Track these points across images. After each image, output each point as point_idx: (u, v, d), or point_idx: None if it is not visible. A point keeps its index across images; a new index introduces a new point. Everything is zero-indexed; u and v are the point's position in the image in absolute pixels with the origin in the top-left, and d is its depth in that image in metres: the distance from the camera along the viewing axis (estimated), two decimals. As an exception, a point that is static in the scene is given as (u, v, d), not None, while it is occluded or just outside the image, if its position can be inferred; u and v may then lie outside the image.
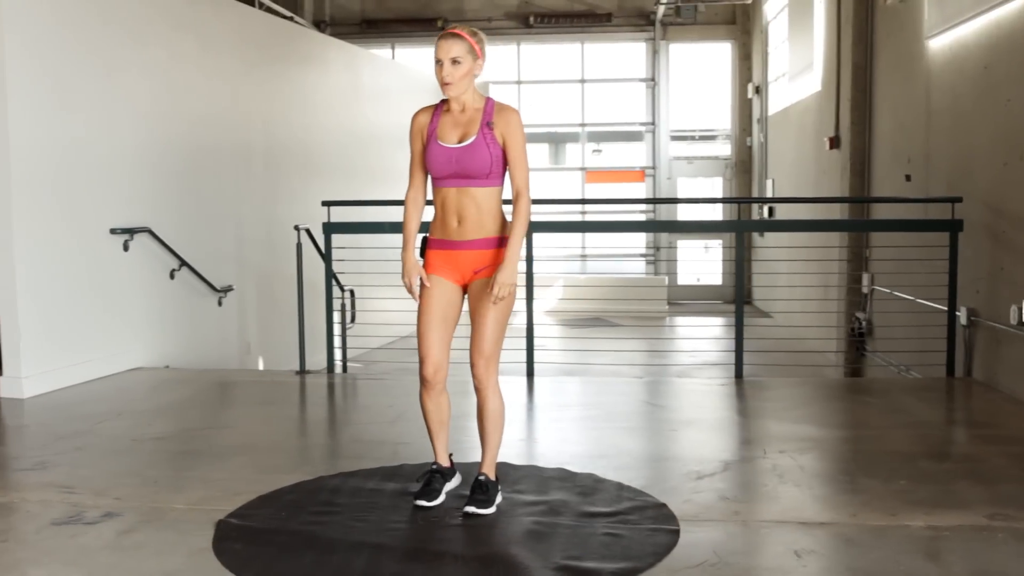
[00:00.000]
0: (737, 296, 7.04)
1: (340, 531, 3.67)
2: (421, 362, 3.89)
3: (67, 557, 3.48)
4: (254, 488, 4.23)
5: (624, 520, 3.79)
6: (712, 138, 18.07)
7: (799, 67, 12.66)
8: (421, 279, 3.93)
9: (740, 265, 6.99)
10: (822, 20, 11.12)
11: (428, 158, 3.84)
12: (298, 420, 6.11)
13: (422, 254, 3.97)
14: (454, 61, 3.77)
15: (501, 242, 3.85)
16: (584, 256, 17.78)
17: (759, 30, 15.96)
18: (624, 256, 17.70)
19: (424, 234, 4.00)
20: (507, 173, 3.88)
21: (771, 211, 14.79)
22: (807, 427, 5.46)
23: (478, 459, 4.02)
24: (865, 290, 9.53)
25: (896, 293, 8.38)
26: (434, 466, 4.00)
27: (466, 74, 3.80)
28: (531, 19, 17.03)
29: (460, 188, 3.80)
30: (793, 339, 10.64)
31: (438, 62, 3.80)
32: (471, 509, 3.81)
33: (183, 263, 7.91)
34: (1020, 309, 5.83)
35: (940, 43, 7.35)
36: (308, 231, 7.41)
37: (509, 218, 3.88)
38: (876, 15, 9.11)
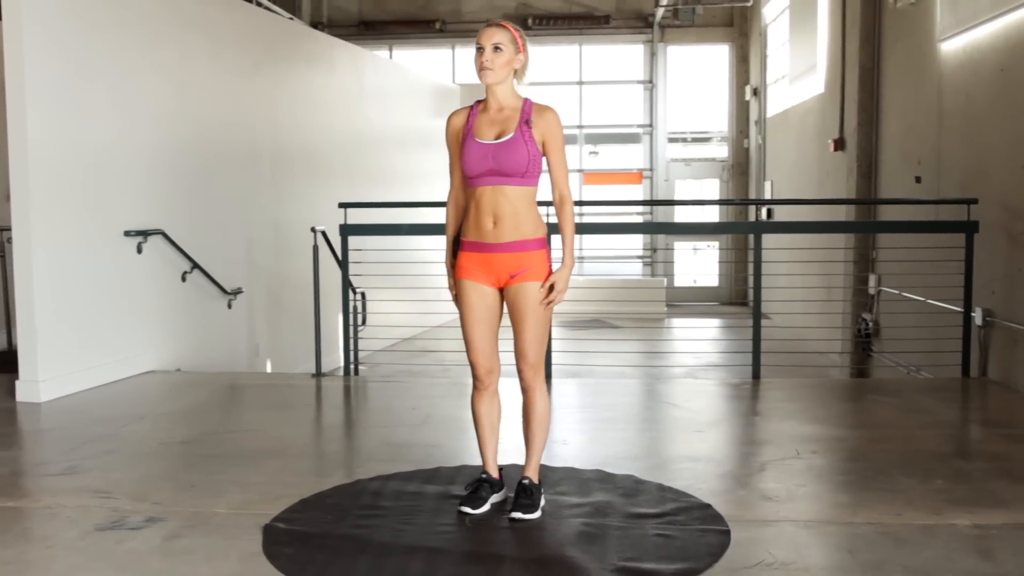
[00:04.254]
0: (755, 297, 7.05)
1: (390, 534, 3.65)
2: (473, 367, 3.88)
3: (118, 563, 3.45)
4: (293, 492, 4.21)
5: (672, 521, 3.79)
6: (707, 140, 18.11)
7: (800, 69, 12.71)
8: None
9: (759, 267, 7.00)
10: (826, 23, 11.17)
11: (464, 155, 3.79)
12: (324, 423, 6.10)
13: (454, 255, 3.95)
14: (496, 48, 3.73)
15: (537, 244, 3.83)
16: (582, 258, 17.79)
17: (757, 33, 16.03)
18: (622, 258, 17.72)
19: (458, 235, 3.97)
20: (542, 175, 3.87)
21: (769, 213, 14.83)
22: (834, 428, 5.50)
23: (511, 461, 4.03)
24: (872, 291, 9.57)
25: (905, 294, 8.42)
26: (483, 475, 3.98)
27: (506, 63, 3.76)
28: (529, 21, 17.03)
29: (495, 186, 3.75)
30: (794, 340, 10.67)
31: (479, 49, 3.75)
32: (517, 515, 3.79)
33: (195, 265, 7.87)
34: (1041, 309, 5.88)
35: (953, 46, 7.40)
36: (324, 233, 7.39)
37: (543, 221, 3.88)
38: (884, 18, 9.16)
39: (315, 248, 7.27)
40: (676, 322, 15.80)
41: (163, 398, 6.54)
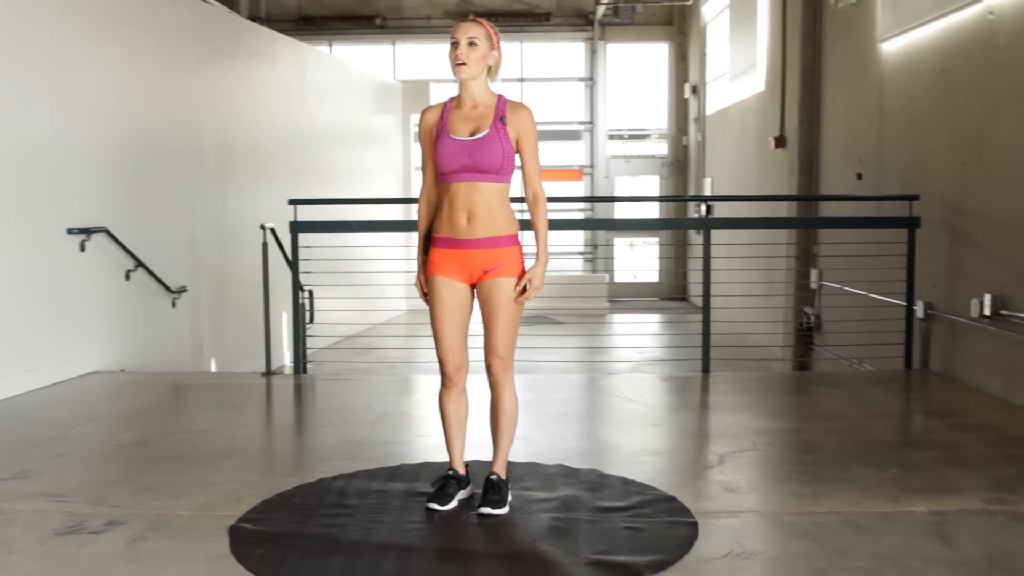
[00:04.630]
0: (704, 292, 7.14)
1: (360, 533, 3.63)
2: (442, 363, 3.87)
3: (82, 568, 3.37)
4: (255, 492, 4.16)
5: (639, 514, 3.83)
6: (645, 137, 18.25)
7: (740, 68, 12.90)
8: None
9: (708, 262, 7.09)
10: (766, 23, 11.36)
11: (438, 151, 3.78)
12: (279, 422, 6.03)
13: (425, 251, 3.94)
14: (471, 43, 3.74)
15: (510, 240, 3.84)
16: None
17: (696, 31, 16.23)
18: (564, 254, 17.79)
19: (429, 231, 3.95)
20: (515, 172, 3.88)
21: (709, 209, 15.02)
22: (786, 420, 5.61)
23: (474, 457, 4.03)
24: (813, 286, 9.77)
25: (847, 288, 8.61)
26: (450, 472, 3.97)
27: (481, 59, 3.77)
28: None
29: (470, 183, 3.76)
30: (736, 334, 10.85)
31: (454, 43, 3.76)
32: (486, 510, 3.80)
33: (139, 263, 7.72)
34: (982, 303, 6.05)
35: (894, 46, 7.58)
36: (273, 230, 7.30)
37: (517, 217, 3.90)
38: (825, 18, 9.35)
39: (264, 245, 7.18)
40: (619, 317, 15.92)
41: (110, 399, 6.40)
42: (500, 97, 3.86)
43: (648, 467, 4.56)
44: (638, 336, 13.33)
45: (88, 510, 3.95)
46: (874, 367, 7.81)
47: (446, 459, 4.37)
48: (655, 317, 16.03)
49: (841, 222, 7.65)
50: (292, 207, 7.20)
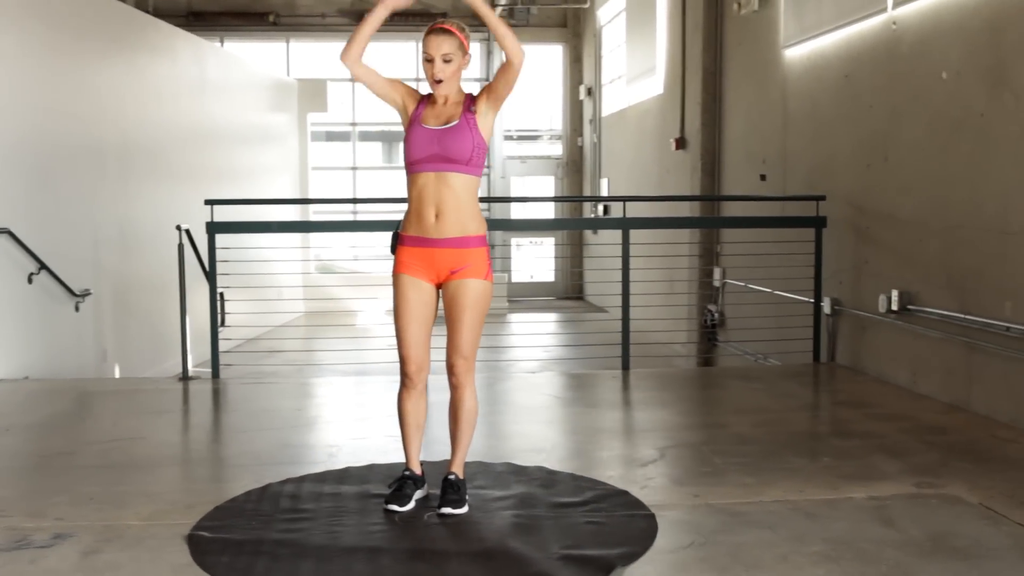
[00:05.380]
0: (623, 291, 7.30)
1: (324, 537, 3.59)
2: (403, 362, 3.87)
3: (40, 583, 3.25)
4: (203, 499, 4.07)
5: (596, 509, 3.90)
6: (538, 138, 18.45)
7: (638, 71, 13.18)
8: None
9: (627, 261, 7.25)
10: (665, 27, 11.64)
11: (408, 141, 3.81)
12: (208, 427, 5.89)
13: (393, 250, 3.94)
14: (445, 59, 3.77)
15: (478, 241, 3.88)
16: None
17: (591, 34, 16.49)
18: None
19: (396, 229, 3.96)
20: (485, 165, 3.93)
21: (606, 209, 15.31)
22: (713, 413, 5.81)
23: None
24: (716, 283, 10.07)
25: (752, 286, 8.91)
26: (407, 472, 3.97)
27: (456, 71, 3.82)
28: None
29: (439, 174, 3.77)
30: (640, 331, 11.09)
31: (428, 59, 3.78)
32: (447, 510, 3.81)
33: (43, 266, 7.41)
34: (889, 298, 6.38)
35: (797, 52, 7.89)
36: (188, 232, 7.11)
37: (484, 217, 3.94)
38: (726, 23, 9.65)
39: (180, 247, 6.99)
40: (520, 316, 16.04)
41: (23, 408, 6.13)
42: (468, 94, 3.92)
43: (592, 462, 4.65)
44: (544, 335, 13.46)
45: (31, 524, 3.79)
46: (780, 362, 8.12)
47: (391, 460, 4.40)
48: (555, 316, 16.23)
49: (752, 222, 7.92)
50: (202, 207, 6.99)
